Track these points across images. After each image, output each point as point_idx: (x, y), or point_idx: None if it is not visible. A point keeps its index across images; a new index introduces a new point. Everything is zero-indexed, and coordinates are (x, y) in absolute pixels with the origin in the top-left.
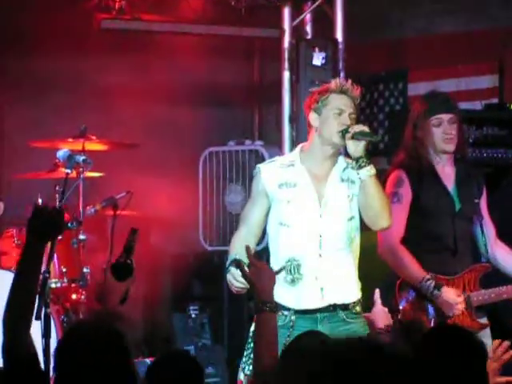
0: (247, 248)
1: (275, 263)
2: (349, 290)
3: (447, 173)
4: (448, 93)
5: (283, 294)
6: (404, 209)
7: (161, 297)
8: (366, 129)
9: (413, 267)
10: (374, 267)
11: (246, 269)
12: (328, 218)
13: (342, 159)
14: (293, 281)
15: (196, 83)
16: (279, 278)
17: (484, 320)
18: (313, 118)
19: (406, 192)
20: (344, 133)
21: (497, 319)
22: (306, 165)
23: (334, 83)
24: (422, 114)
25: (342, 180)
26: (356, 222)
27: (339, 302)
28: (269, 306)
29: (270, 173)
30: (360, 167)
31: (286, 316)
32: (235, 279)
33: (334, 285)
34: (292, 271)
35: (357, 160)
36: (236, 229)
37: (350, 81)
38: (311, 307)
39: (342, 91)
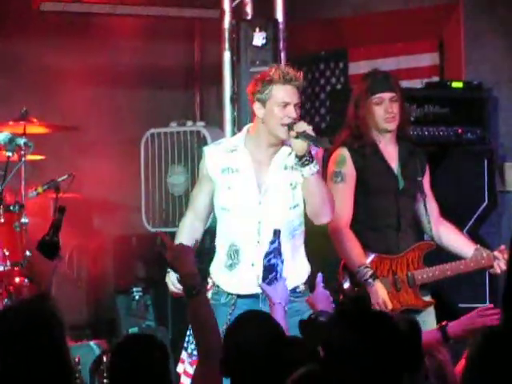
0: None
1: (219, 248)
2: (288, 277)
3: (390, 151)
4: (389, 71)
5: (223, 278)
6: (349, 188)
7: (104, 279)
8: (309, 131)
9: (354, 252)
10: (322, 245)
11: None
12: (267, 205)
13: (285, 146)
14: (231, 266)
15: (137, 65)
16: (221, 261)
17: (428, 298)
18: (257, 107)
19: (350, 170)
20: (289, 128)
21: (441, 297)
22: (249, 149)
23: (276, 73)
24: (363, 92)
25: (286, 167)
26: (300, 210)
27: None
28: (196, 290)
29: (213, 157)
30: (303, 165)
31: (228, 295)
32: (172, 284)
33: None
34: (232, 256)
35: (300, 158)
36: (179, 211)
37: (291, 68)
38: (248, 292)
39: (285, 81)
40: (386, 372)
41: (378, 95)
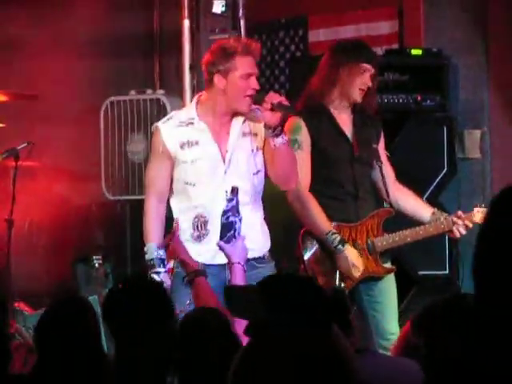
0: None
1: (183, 220)
2: (256, 245)
3: (344, 119)
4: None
5: (190, 249)
6: (306, 154)
7: (64, 247)
8: (284, 101)
9: (320, 218)
10: (276, 213)
11: None
12: (232, 174)
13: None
14: (199, 237)
15: (96, 34)
16: (185, 234)
17: (389, 265)
18: (218, 79)
19: (305, 137)
20: (256, 99)
21: (401, 265)
22: (205, 120)
23: (239, 45)
24: (346, 60)
25: (244, 134)
26: (261, 175)
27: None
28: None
29: (169, 133)
30: (276, 135)
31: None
32: None
33: None
34: (199, 227)
35: (274, 129)
36: (139, 178)
37: (250, 39)
38: (218, 262)
39: (248, 52)
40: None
41: (366, 65)
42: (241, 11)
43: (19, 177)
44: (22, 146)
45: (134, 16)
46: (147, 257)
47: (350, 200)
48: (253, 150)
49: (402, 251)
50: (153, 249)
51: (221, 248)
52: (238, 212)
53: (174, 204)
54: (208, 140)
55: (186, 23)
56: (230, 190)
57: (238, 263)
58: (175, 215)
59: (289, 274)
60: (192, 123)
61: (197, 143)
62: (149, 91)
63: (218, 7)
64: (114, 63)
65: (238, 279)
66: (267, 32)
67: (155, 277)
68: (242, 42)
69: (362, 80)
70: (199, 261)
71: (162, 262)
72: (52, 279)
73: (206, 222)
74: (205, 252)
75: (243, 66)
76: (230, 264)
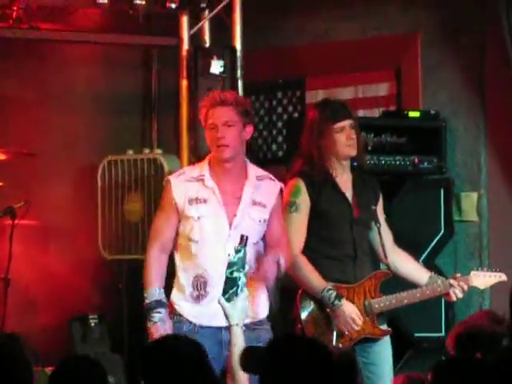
0: None
1: (183, 278)
2: (254, 310)
3: (344, 180)
4: (346, 100)
5: (187, 308)
6: (303, 218)
7: (60, 306)
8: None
9: (313, 277)
10: None
11: None
12: (236, 239)
13: (253, 176)
14: (198, 297)
15: (93, 92)
16: (184, 291)
17: (385, 326)
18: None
19: (304, 200)
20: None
21: (397, 327)
22: (215, 180)
23: (208, 98)
24: (324, 121)
25: (254, 203)
26: (261, 244)
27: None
28: None
29: (180, 187)
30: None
31: (189, 323)
32: None
33: None
34: (198, 287)
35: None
36: (136, 238)
37: (231, 92)
38: (213, 325)
39: (216, 104)
40: None
41: (339, 123)
42: (239, 72)
43: (16, 235)
44: (19, 204)
45: (132, 74)
46: (148, 300)
47: (348, 261)
48: (260, 221)
49: (397, 313)
50: (155, 291)
51: (221, 305)
52: (243, 266)
53: (177, 259)
54: (217, 201)
55: (184, 83)
56: (237, 244)
57: (237, 325)
58: (177, 271)
59: (295, 335)
60: (202, 180)
61: (205, 201)
62: (146, 151)
63: (216, 68)
64: (112, 122)
65: (238, 341)
66: (265, 92)
67: (156, 316)
68: (212, 95)
69: (345, 137)
70: (196, 322)
71: (163, 304)
72: (48, 338)
73: (205, 283)
74: (203, 314)
75: (210, 119)
76: (229, 325)
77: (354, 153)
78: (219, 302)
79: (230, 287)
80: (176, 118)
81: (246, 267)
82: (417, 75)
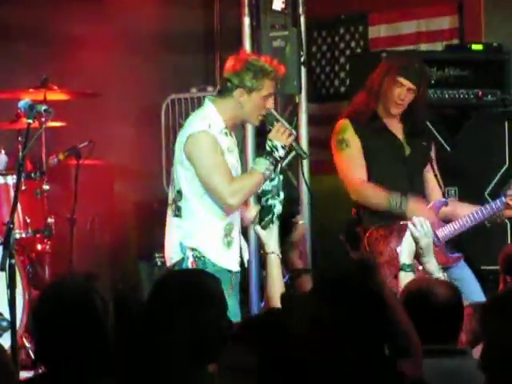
0: None
1: (214, 223)
2: None
3: (394, 125)
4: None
5: (222, 255)
6: (355, 151)
7: (126, 245)
8: (299, 147)
9: (380, 194)
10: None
11: None
12: None
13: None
14: (229, 243)
15: (156, 31)
16: (218, 238)
17: (455, 253)
18: (240, 94)
19: (352, 136)
20: (269, 120)
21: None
22: (229, 131)
23: (275, 70)
24: (393, 68)
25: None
26: None
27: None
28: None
29: (217, 139)
30: (267, 156)
31: (230, 275)
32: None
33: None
34: (228, 234)
35: (271, 150)
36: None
37: (277, 63)
38: (237, 269)
39: (276, 77)
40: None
41: (401, 79)
42: (301, 8)
43: (81, 175)
44: (84, 144)
45: (195, 13)
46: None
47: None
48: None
49: (463, 247)
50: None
51: (257, 233)
52: (278, 194)
53: (208, 204)
54: (236, 151)
55: (247, 20)
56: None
57: (272, 253)
58: (207, 217)
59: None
60: (226, 133)
61: (232, 151)
62: (209, 88)
63: (277, 4)
64: (175, 60)
65: (274, 269)
66: (327, 28)
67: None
68: (273, 66)
69: (397, 93)
70: (228, 267)
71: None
72: (114, 277)
73: (231, 229)
74: (233, 259)
75: (268, 88)
76: (264, 252)
77: (395, 112)
78: (255, 230)
79: (266, 214)
80: None
81: (281, 195)
82: (479, 8)
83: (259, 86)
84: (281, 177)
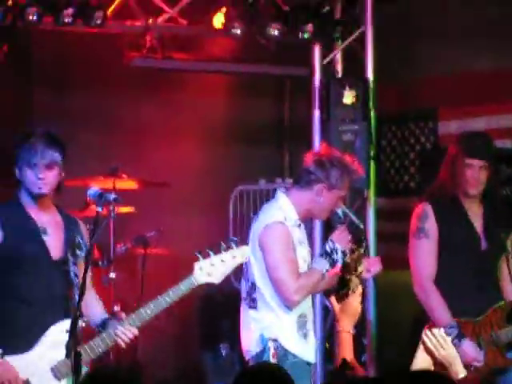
0: None
1: (287, 318)
2: None
3: (474, 211)
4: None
5: (299, 346)
6: (432, 243)
7: (191, 336)
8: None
9: (441, 311)
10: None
11: None
12: None
13: None
14: (305, 335)
15: (227, 121)
16: (293, 329)
17: None
18: (320, 189)
19: (432, 226)
20: (335, 219)
21: None
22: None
23: (355, 171)
24: (459, 152)
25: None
26: None
27: None
28: None
29: (291, 231)
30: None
31: (309, 367)
32: None
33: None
34: (302, 326)
35: (331, 252)
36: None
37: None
38: (315, 361)
39: (354, 178)
40: None
41: (470, 160)
42: (371, 102)
43: (148, 264)
44: (152, 233)
45: (265, 104)
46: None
47: (474, 290)
48: None
49: None
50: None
51: (332, 306)
52: (356, 268)
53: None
54: (306, 241)
55: (317, 113)
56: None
57: (348, 332)
58: (281, 309)
59: None
60: (299, 226)
61: (303, 244)
62: (278, 180)
63: (348, 98)
64: (244, 151)
65: (348, 348)
66: (397, 123)
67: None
68: (355, 167)
69: (470, 175)
70: (308, 359)
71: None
72: (181, 367)
73: (305, 322)
74: (311, 351)
75: (347, 187)
76: (337, 331)
77: (473, 192)
78: (330, 302)
79: (342, 288)
80: (308, 148)
81: (359, 269)
82: None
83: (342, 184)
84: (361, 250)
